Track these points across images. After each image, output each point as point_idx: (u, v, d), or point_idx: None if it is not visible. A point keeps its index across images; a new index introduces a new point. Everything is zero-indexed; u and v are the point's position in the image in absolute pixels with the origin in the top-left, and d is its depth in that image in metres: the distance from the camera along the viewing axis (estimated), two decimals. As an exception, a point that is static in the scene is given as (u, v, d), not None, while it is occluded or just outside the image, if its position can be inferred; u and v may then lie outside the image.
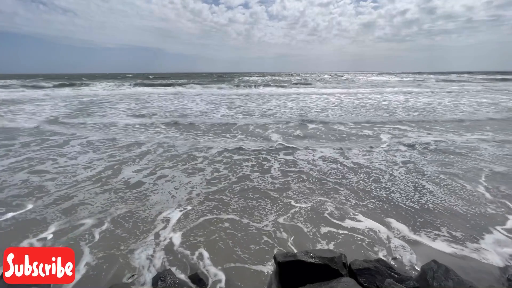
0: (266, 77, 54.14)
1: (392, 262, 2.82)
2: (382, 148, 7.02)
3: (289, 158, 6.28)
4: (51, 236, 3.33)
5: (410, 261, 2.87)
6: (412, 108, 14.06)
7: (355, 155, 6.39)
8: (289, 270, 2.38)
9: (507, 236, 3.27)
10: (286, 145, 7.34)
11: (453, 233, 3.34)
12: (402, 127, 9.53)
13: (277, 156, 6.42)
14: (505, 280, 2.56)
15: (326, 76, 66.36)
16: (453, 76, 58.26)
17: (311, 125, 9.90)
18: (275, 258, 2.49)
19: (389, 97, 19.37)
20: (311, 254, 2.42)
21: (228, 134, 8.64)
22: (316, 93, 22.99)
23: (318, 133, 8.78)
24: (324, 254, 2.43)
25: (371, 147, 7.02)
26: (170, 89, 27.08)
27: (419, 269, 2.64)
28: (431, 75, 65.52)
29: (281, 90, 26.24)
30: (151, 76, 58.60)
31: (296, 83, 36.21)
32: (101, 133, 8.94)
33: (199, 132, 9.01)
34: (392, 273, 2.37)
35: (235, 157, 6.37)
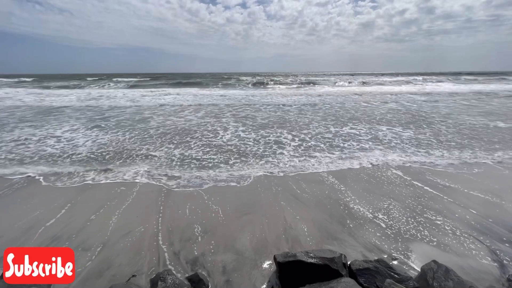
0: (250, 78, 41.80)
1: (392, 262, 2.81)
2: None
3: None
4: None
5: (410, 261, 2.86)
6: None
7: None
8: (289, 270, 2.38)
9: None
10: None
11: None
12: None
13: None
14: (505, 280, 2.55)
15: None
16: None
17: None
18: (275, 258, 2.49)
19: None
20: (311, 254, 2.43)
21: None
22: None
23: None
24: (324, 254, 2.44)
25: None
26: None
27: (419, 269, 2.63)
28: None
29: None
30: (113, 79, 43.42)
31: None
32: None
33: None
34: (392, 273, 2.37)
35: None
